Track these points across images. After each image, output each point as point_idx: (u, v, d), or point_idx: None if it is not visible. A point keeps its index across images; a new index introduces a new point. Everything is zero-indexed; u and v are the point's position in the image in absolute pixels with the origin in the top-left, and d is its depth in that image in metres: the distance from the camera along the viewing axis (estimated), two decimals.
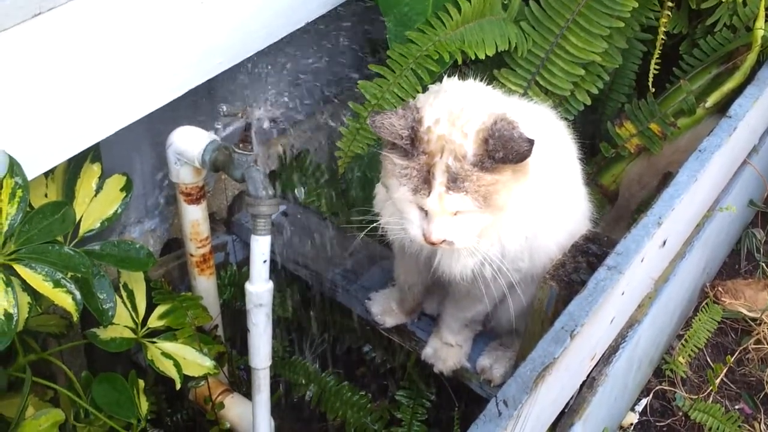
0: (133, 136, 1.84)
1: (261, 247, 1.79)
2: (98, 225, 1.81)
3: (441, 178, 1.45)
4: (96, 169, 1.82)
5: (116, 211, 1.83)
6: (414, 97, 1.84)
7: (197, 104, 1.98)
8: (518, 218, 1.60)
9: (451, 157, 1.45)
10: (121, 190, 1.85)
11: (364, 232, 1.68)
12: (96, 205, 1.82)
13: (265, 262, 1.81)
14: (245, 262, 2.33)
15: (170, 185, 2.04)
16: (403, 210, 1.53)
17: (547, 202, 1.67)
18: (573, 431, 1.81)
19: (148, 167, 2.02)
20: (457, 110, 1.49)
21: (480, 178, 1.45)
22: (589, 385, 1.87)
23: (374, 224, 1.69)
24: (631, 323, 1.96)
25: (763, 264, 2.62)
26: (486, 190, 1.46)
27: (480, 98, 1.57)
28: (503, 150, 1.44)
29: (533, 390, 1.49)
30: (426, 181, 1.46)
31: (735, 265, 2.73)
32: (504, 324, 1.97)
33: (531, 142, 1.45)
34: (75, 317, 1.56)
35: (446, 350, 2.00)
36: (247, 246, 2.31)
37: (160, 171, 2.03)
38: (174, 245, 2.18)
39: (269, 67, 2.13)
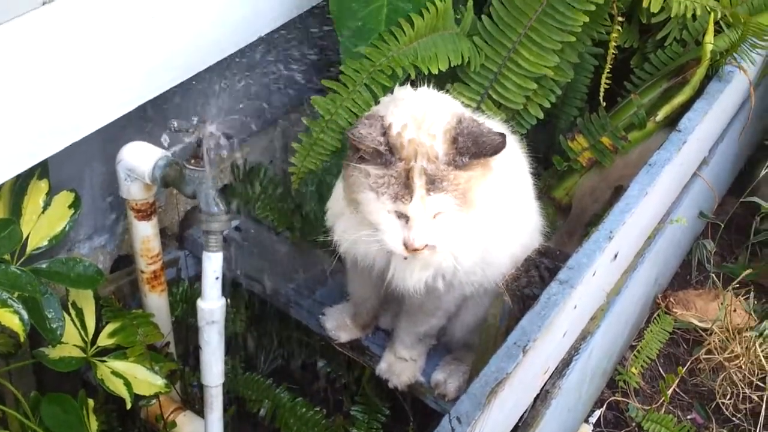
0: (82, 152, 1.82)
1: (213, 263, 1.78)
2: (46, 243, 1.78)
3: (420, 181, 1.47)
4: (43, 185, 1.79)
5: (64, 228, 1.80)
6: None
7: (148, 119, 1.95)
8: (476, 226, 1.60)
9: (424, 160, 1.47)
10: (70, 207, 1.82)
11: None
12: (43, 222, 1.79)
13: (217, 278, 1.79)
14: (198, 277, 2.29)
15: (120, 201, 2.01)
16: (379, 222, 1.53)
17: (501, 212, 1.68)
18: None
19: (98, 183, 1.99)
20: (419, 115, 1.51)
21: (456, 177, 1.48)
22: (542, 398, 1.87)
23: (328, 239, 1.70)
24: (584, 335, 1.97)
25: (713, 275, 2.65)
26: (464, 187, 1.49)
27: (438, 101, 1.61)
28: (475, 146, 1.48)
29: (486, 406, 1.49)
30: (406, 186, 1.47)
31: (686, 275, 2.76)
32: (458, 337, 1.98)
33: (503, 134, 1.50)
34: (22, 337, 1.54)
35: (400, 365, 1.99)
36: (199, 261, 2.28)
37: (110, 187, 2.00)
38: (125, 261, 2.15)
39: (222, 81, 2.11)
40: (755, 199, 2.58)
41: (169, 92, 1.87)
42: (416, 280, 1.69)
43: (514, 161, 1.80)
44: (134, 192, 1.87)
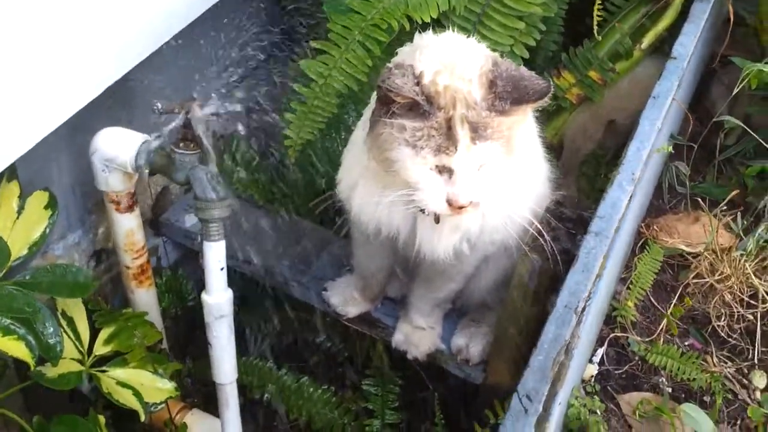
0: (47, 146, 1.62)
1: (216, 253, 1.64)
2: (26, 251, 1.61)
3: (463, 130, 1.34)
4: (14, 188, 1.61)
5: (44, 231, 1.64)
6: (365, 73, 1.69)
7: (111, 104, 1.77)
8: (514, 177, 1.49)
9: (464, 107, 1.34)
10: (45, 207, 1.65)
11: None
12: (20, 228, 1.61)
13: (222, 269, 1.65)
14: (179, 264, 2.15)
15: (90, 193, 1.83)
16: (418, 180, 1.39)
17: (529, 161, 1.57)
18: (556, 401, 1.75)
19: (66, 177, 1.80)
20: (450, 60, 1.38)
21: (500, 123, 1.36)
22: (566, 350, 1.80)
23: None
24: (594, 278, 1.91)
25: (689, 197, 2.62)
26: (507, 135, 1.37)
27: (467, 45, 1.48)
28: (516, 90, 1.36)
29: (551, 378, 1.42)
30: (448, 138, 1.34)
31: (658, 200, 2.72)
32: (475, 299, 1.89)
33: (546, 78, 1.40)
34: (32, 365, 1.37)
35: (418, 335, 1.89)
36: (179, 246, 2.14)
37: (79, 179, 1.81)
38: (99, 256, 1.96)
39: (187, 50, 1.92)
40: (728, 117, 2.54)
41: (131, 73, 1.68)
42: (445, 246, 1.58)
43: None
44: (113, 183, 1.71)
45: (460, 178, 1.37)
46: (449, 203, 1.38)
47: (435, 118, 1.34)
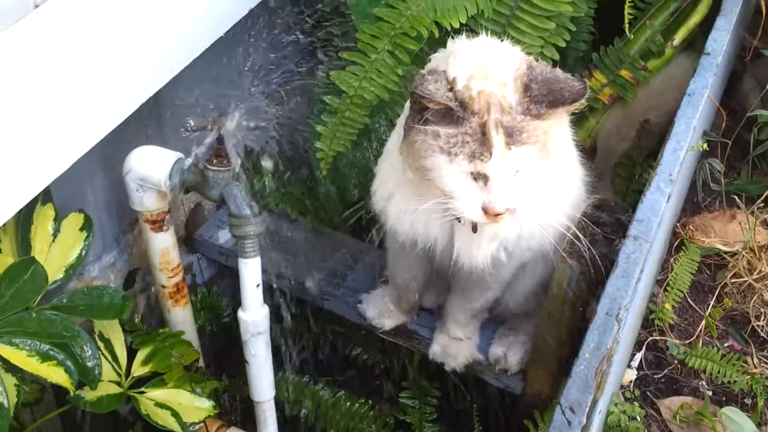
0: (80, 167, 1.61)
1: (252, 270, 1.63)
2: (62, 274, 1.60)
3: (498, 135, 1.31)
4: (49, 211, 1.60)
5: (80, 254, 1.62)
6: (396, 82, 1.68)
7: (143, 121, 1.76)
8: (551, 183, 1.46)
9: (498, 112, 1.32)
10: (81, 229, 1.63)
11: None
12: (56, 251, 1.60)
13: (258, 286, 1.64)
14: (214, 280, 2.14)
15: (124, 213, 1.82)
16: (453, 188, 1.36)
17: (565, 165, 1.55)
18: (596, 410, 1.72)
19: (101, 197, 1.79)
20: (484, 64, 1.36)
21: (536, 128, 1.33)
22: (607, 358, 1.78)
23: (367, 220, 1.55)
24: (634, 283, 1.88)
25: (724, 195, 2.58)
26: (543, 139, 1.34)
27: (501, 49, 1.45)
28: (551, 94, 1.33)
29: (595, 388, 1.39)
30: (483, 143, 1.32)
31: (693, 199, 2.68)
32: (512, 307, 1.86)
33: (582, 80, 1.36)
34: (72, 391, 1.36)
35: (455, 345, 1.87)
36: (213, 263, 2.13)
37: (113, 199, 1.81)
38: (134, 276, 1.96)
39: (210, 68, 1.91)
40: (762, 111, 2.49)
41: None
42: (484, 255, 1.56)
43: None
44: (148, 202, 1.70)
45: (495, 185, 1.34)
46: (485, 211, 1.36)
47: (469, 123, 1.32)
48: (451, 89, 1.34)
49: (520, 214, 1.41)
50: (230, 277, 2.16)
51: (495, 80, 1.33)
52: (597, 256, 1.62)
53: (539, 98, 1.33)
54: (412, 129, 1.38)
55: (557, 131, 1.39)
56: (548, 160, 1.37)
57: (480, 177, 1.35)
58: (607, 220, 1.70)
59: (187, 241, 2.09)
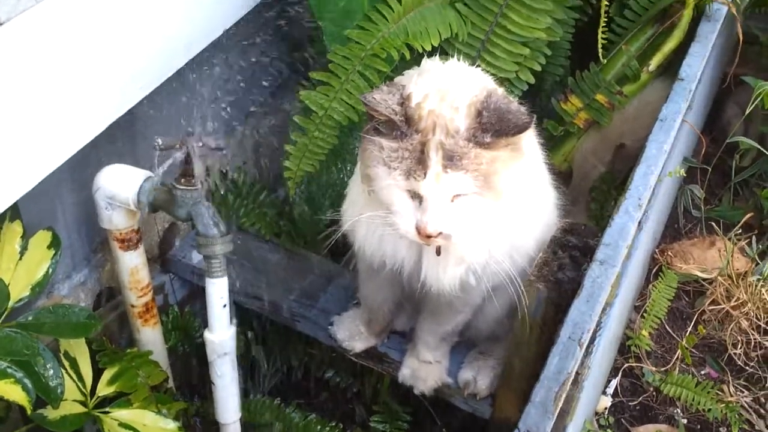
0: (50, 184, 1.61)
1: (218, 290, 1.63)
2: (28, 292, 1.59)
3: (436, 156, 1.32)
4: (17, 228, 1.59)
5: (47, 272, 1.61)
6: None
7: (114, 139, 1.76)
8: (502, 215, 1.46)
9: (443, 134, 1.33)
10: (49, 247, 1.63)
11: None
12: (22, 269, 1.59)
13: (225, 306, 1.64)
14: (187, 301, 2.13)
15: (95, 232, 1.82)
16: (391, 201, 1.38)
17: (530, 196, 1.55)
18: None
19: (71, 215, 1.79)
20: (445, 86, 1.38)
21: (478, 155, 1.34)
22: (574, 382, 1.77)
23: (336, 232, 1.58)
24: (605, 307, 1.87)
25: (704, 221, 2.58)
26: (486, 169, 1.34)
27: (468, 74, 1.47)
28: (499, 123, 1.34)
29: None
30: (420, 162, 1.33)
31: (674, 225, 2.68)
32: (482, 330, 1.86)
33: (531, 114, 1.37)
34: (29, 409, 1.35)
35: (425, 369, 1.86)
36: (186, 283, 2.12)
37: (83, 217, 1.80)
38: (104, 295, 1.95)
39: (183, 87, 1.92)
40: (742, 138, 2.50)
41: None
42: (451, 278, 1.56)
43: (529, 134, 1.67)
44: (117, 221, 1.69)
45: (429, 206, 1.35)
46: (417, 230, 1.37)
47: (410, 140, 1.34)
48: (402, 104, 1.35)
49: (457, 241, 1.41)
50: (203, 298, 2.14)
51: (449, 103, 1.35)
52: (565, 280, 1.62)
53: (487, 126, 1.34)
54: (365, 137, 1.40)
55: (512, 165, 1.39)
56: (495, 194, 1.37)
57: (416, 196, 1.36)
58: (577, 244, 1.70)
59: (161, 261, 2.09)
